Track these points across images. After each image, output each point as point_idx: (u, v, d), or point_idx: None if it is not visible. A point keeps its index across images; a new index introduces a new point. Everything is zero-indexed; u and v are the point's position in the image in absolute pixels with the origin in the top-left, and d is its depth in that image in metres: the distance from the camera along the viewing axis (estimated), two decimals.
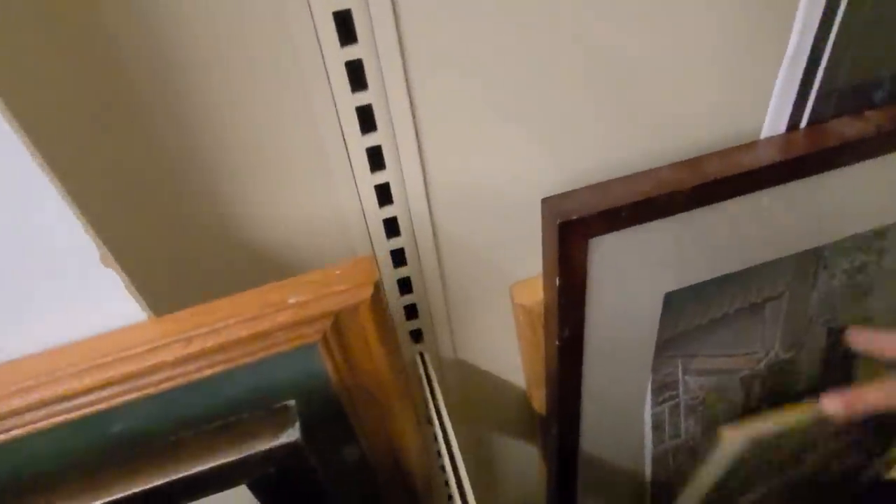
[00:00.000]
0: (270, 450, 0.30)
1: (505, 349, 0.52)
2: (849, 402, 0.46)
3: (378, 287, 0.30)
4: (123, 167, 0.33)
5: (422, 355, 0.49)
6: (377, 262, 0.42)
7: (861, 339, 0.49)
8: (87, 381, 0.27)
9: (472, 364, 0.52)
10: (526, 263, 0.46)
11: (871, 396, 0.46)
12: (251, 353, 0.30)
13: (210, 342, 0.28)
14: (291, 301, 0.29)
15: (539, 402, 0.53)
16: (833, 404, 0.46)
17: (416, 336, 0.49)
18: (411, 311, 0.47)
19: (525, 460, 0.63)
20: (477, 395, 0.55)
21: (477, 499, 0.65)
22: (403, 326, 0.47)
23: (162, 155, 0.33)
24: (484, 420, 0.57)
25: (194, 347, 0.28)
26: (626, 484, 0.61)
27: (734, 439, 0.53)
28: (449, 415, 0.54)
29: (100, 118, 0.31)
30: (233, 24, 0.31)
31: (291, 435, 0.30)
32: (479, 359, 0.52)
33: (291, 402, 0.31)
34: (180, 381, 0.30)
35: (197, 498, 0.31)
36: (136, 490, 0.29)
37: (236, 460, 0.30)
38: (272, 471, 0.31)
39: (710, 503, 0.61)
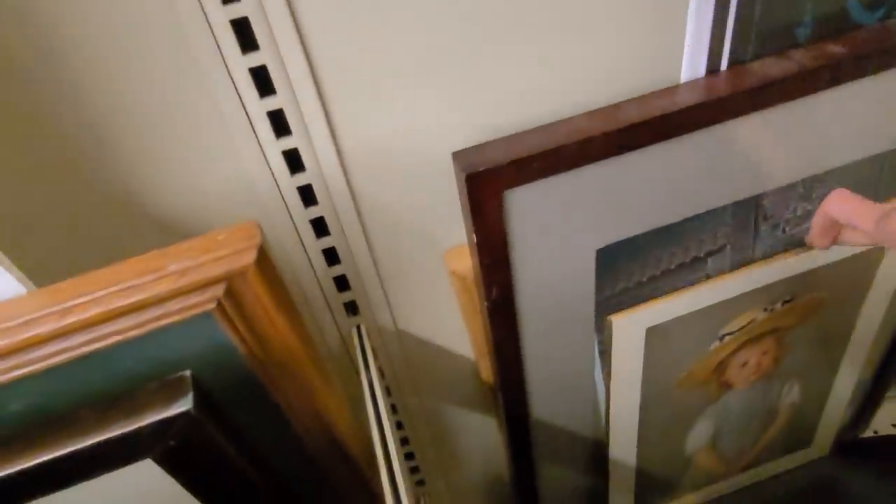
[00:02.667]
0: (162, 421, 0.29)
1: (448, 318, 0.51)
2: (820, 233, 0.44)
3: (263, 251, 0.29)
4: (7, 133, 0.32)
5: (358, 328, 0.48)
6: (298, 232, 0.41)
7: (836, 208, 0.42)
8: None
9: (415, 335, 0.51)
10: (459, 228, 0.45)
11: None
12: (141, 324, 0.29)
13: (88, 313, 0.27)
14: (172, 268, 0.28)
15: (486, 371, 0.52)
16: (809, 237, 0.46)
17: (353, 309, 0.48)
18: (343, 283, 0.46)
19: (485, 430, 0.62)
20: (424, 367, 0.54)
21: (439, 470, 0.64)
22: (336, 299, 0.46)
23: (44, 119, 0.32)
24: (435, 392, 0.57)
25: (72, 319, 0.27)
26: (585, 449, 0.60)
27: (628, 328, 0.48)
28: (398, 387, 0.54)
29: None
30: None
31: (184, 405, 0.29)
32: (422, 329, 0.51)
33: (186, 373, 0.31)
34: (69, 355, 0.29)
35: (99, 474, 0.31)
36: (27, 466, 0.28)
37: (129, 432, 0.29)
38: (173, 444, 0.30)
39: (653, 439, 0.59)
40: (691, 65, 0.39)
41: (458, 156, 0.37)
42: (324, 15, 0.33)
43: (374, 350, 0.48)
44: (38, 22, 0.29)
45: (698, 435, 0.62)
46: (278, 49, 0.34)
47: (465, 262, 0.45)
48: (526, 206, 0.38)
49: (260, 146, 0.37)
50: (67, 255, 0.36)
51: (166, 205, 0.37)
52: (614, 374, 0.52)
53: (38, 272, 0.31)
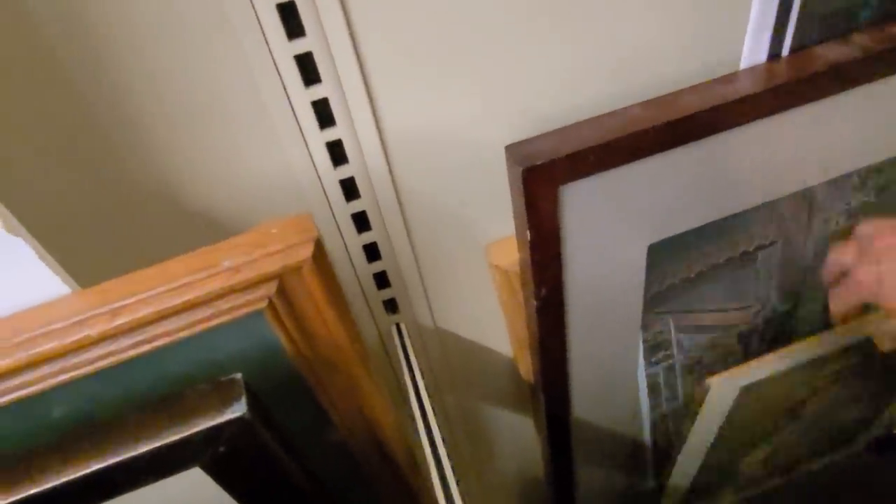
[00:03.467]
0: (216, 427, 0.28)
1: (487, 315, 0.49)
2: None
3: (320, 245, 0.27)
4: (44, 129, 0.30)
5: (398, 326, 0.46)
6: (338, 227, 0.40)
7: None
8: (8, 360, 0.25)
9: (453, 333, 0.50)
10: (500, 221, 0.43)
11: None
12: (192, 324, 0.28)
13: (139, 313, 0.26)
14: (226, 264, 0.27)
15: (526, 369, 0.51)
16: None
17: (392, 307, 0.46)
18: (383, 280, 0.44)
19: (521, 429, 0.61)
20: (462, 365, 0.52)
21: (473, 470, 0.63)
22: (376, 296, 0.45)
23: (84, 111, 0.31)
24: (472, 390, 0.55)
25: (122, 319, 0.26)
26: (624, 451, 0.59)
27: (724, 387, 0.49)
28: (435, 386, 0.52)
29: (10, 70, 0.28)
30: None
31: (237, 410, 0.28)
32: (460, 326, 0.50)
33: (238, 375, 0.29)
34: (117, 357, 0.27)
35: (146, 483, 0.29)
36: (74, 476, 0.27)
37: (180, 440, 0.27)
38: (222, 450, 0.29)
39: (712, 464, 0.58)
40: (753, 49, 0.38)
41: (511, 149, 0.35)
42: (372, 2, 0.32)
43: (412, 349, 0.47)
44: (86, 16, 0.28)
45: (754, 456, 0.61)
46: (325, 35, 0.32)
47: (508, 257, 0.43)
48: (581, 201, 0.36)
49: (303, 137, 0.35)
50: (108, 250, 0.34)
51: (206, 198, 0.36)
52: (696, 428, 0.52)
53: (80, 270, 0.29)
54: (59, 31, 0.28)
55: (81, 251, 0.32)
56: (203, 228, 0.37)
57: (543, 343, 0.44)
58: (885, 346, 0.42)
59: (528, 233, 0.37)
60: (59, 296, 0.27)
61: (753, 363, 0.49)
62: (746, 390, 0.49)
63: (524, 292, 0.43)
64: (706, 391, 0.48)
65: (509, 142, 0.37)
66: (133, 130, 0.32)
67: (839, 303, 0.41)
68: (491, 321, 0.50)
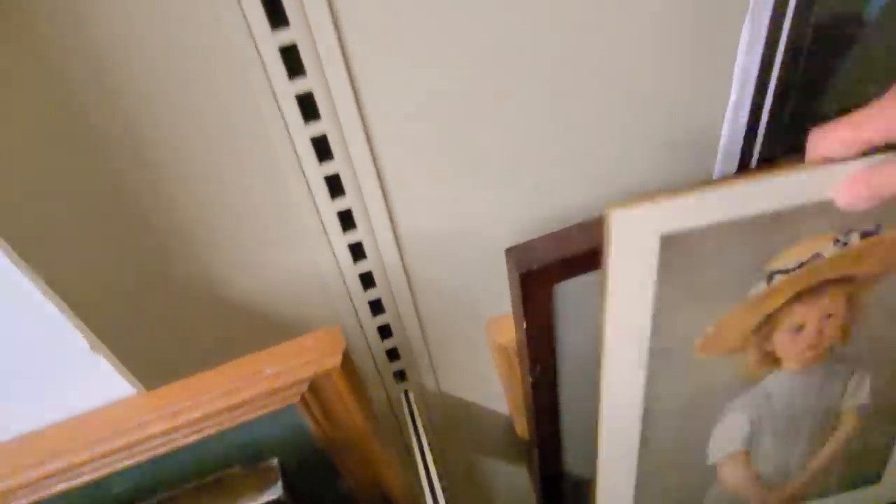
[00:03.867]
0: None
1: (486, 380, 0.54)
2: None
3: (346, 354, 0.32)
4: (109, 259, 0.35)
5: (406, 394, 0.51)
6: (356, 313, 0.45)
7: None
8: (85, 454, 0.30)
9: (456, 396, 0.55)
10: (500, 301, 0.48)
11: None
12: (236, 417, 0.33)
13: (195, 414, 0.31)
14: (268, 372, 0.31)
15: (521, 427, 0.55)
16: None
17: (401, 375, 0.51)
18: (393, 354, 0.49)
19: (517, 484, 0.65)
20: (463, 425, 0.57)
21: None
22: (387, 368, 0.50)
23: (142, 236, 0.36)
24: (472, 447, 0.60)
25: (180, 420, 0.30)
26: None
27: (633, 229, 0.31)
28: (438, 443, 0.57)
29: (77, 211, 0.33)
30: (199, 100, 0.33)
31: (274, 493, 0.32)
32: (462, 391, 0.55)
33: (274, 462, 0.34)
34: (170, 447, 0.32)
35: None
36: None
37: None
38: None
39: (661, 438, 0.43)
40: (725, 162, 0.43)
41: (511, 252, 0.40)
42: (392, 126, 0.37)
43: (418, 411, 0.52)
44: (138, 141, 0.33)
45: (728, 434, 0.45)
46: (350, 158, 0.37)
47: (506, 334, 0.48)
48: (572, 295, 0.41)
49: (329, 241, 0.40)
50: (160, 351, 0.39)
51: (242, 289, 0.41)
52: (609, 308, 0.35)
53: (140, 370, 0.34)
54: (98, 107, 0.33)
55: (144, 354, 0.37)
56: (239, 315, 0.41)
57: (538, 413, 0.49)
58: (841, 201, 0.29)
59: (524, 323, 0.41)
60: (128, 395, 0.31)
61: (676, 197, 0.30)
62: (672, 247, 0.32)
63: (520, 369, 0.47)
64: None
65: (510, 236, 0.42)
66: (188, 249, 0.37)
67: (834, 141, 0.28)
68: (490, 386, 0.54)
